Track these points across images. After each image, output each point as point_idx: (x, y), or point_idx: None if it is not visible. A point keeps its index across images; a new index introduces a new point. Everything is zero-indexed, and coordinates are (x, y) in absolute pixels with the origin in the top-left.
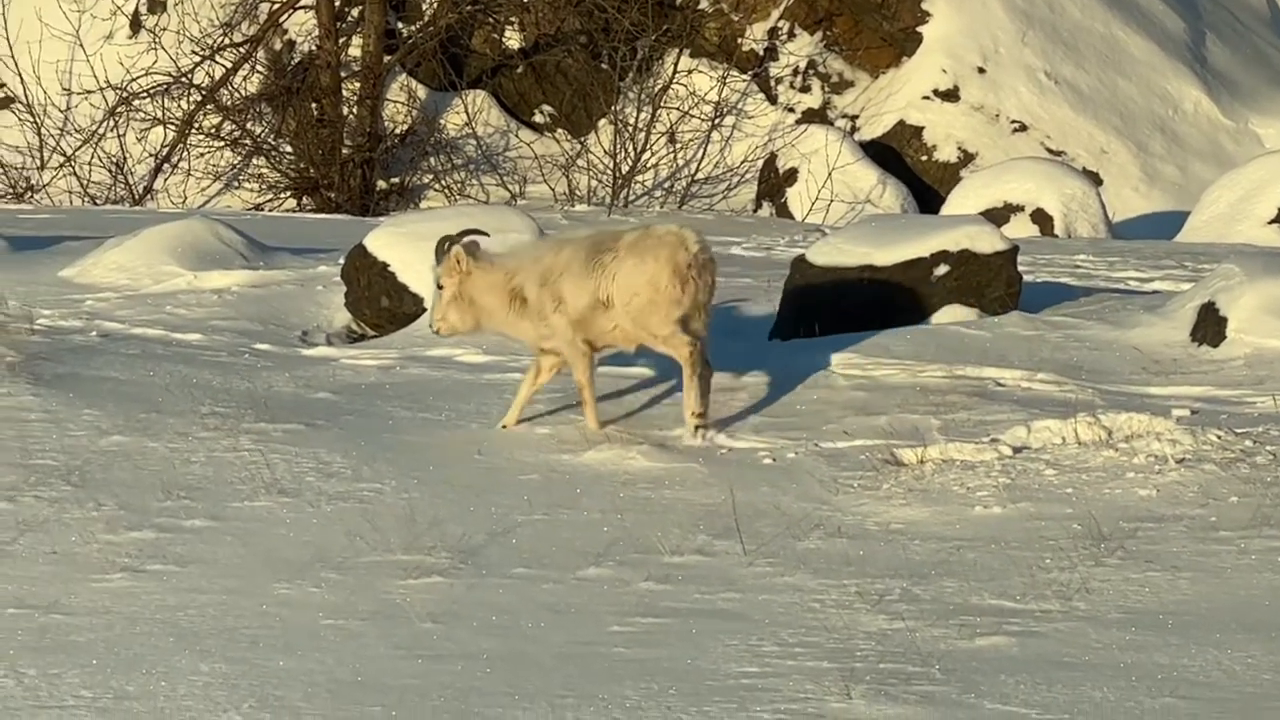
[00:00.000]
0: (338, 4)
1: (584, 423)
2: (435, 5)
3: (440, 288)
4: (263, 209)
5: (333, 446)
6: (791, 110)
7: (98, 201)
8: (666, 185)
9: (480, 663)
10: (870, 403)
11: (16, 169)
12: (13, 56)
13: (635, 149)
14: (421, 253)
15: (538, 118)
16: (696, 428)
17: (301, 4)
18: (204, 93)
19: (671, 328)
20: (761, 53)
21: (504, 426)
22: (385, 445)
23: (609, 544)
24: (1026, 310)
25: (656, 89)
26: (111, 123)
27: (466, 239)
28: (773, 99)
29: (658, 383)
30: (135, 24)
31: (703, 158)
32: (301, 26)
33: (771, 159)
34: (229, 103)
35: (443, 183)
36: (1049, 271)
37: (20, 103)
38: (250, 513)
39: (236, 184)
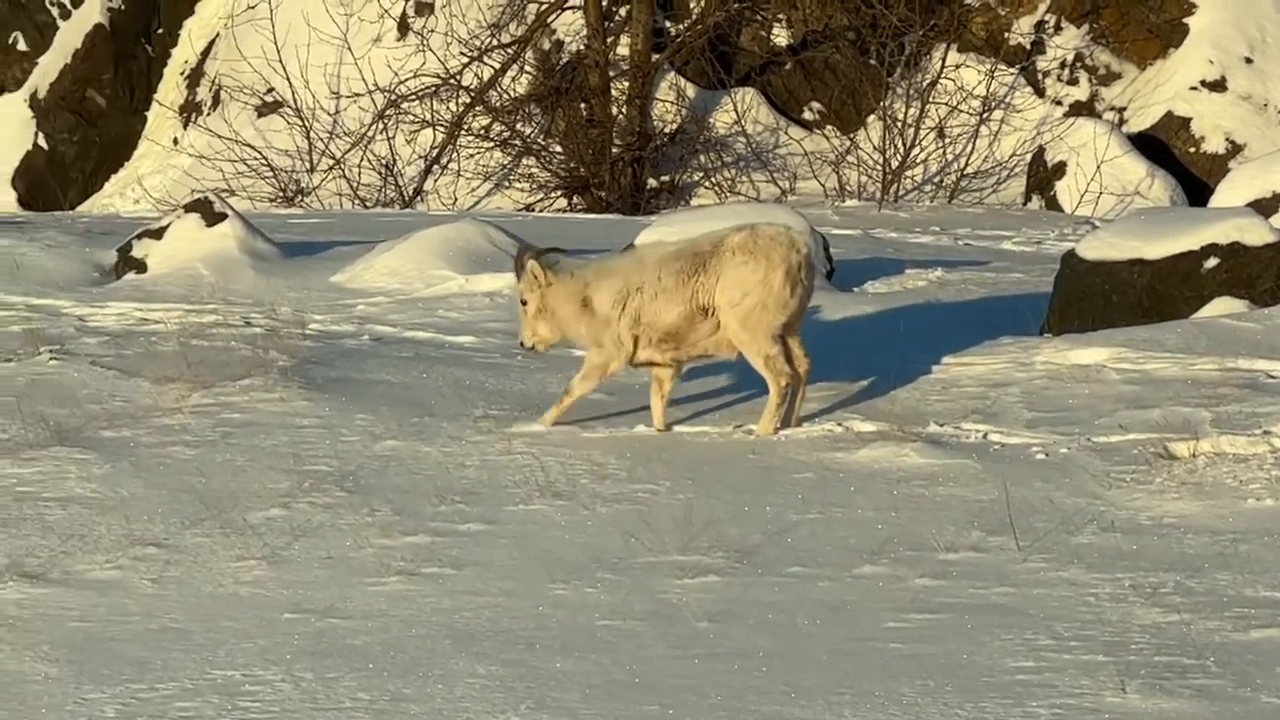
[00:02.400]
0: (605, 3)
1: (854, 422)
2: (703, 3)
3: (524, 304)
4: (533, 209)
5: (606, 448)
6: (1059, 103)
7: (367, 204)
8: (936, 180)
9: (757, 661)
10: (1142, 396)
11: (286, 173)
12: (281, 61)
13: (904, 144)
14: None
15: (806, 114)
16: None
17: (569, 4)
18: (472, 94)
19: (775, 347)
20: (1028, 46)
21: (658, 430)
22: (659, 446)
23: (883, 541)
24: None
25: (925, 84)
26: (380, 125)
27: (546, 255)
28: (1040, 92)
29: (921, 375)
30: (403, 27)
31: (971, 152)
32: (569, 26)
33: (1040, 152)
34: (498, 104)
35: (712, 180)
36: None
37: (289, 107)
38: (525, 516)
39: (506, 184)
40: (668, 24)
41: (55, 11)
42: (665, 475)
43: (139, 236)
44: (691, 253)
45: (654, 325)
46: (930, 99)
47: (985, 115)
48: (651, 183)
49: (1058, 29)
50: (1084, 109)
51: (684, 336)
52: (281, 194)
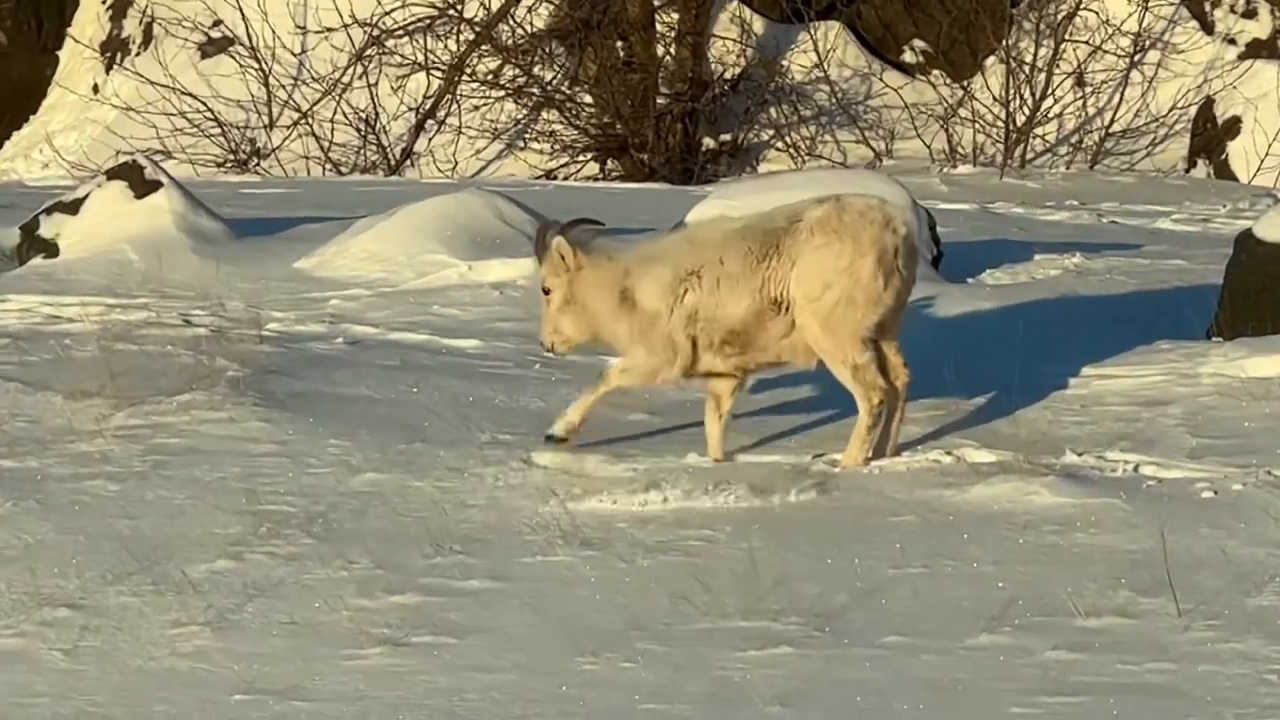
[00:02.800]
0: None
1: (967, 450)
2: None
3: (546, 292)
4: (556, 176)
5: (649, 483)
6: (1233, 42)
7: (342, 170)
8: (1073, 140)
9: None
10: None
11: (238, 129)
12: None
13: (1033, 94)
14: None
15: (908, 56)
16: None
17: None
18: (478, 29)
19: (865, 354)
20: None
21: (715, 461)
22: (716, 480)
23: (1006, 604)
24: None
25: (1059, 17)
26: (359, 69)
27: (575, 229)
28: (1209, 28)
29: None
30: None
31: (1119, 104)
32: None
33: (1208, 105)
34: (510, 41)
35: (787, 140)
36: None
37: (242, 45)
38: (545, 570)
39: (521, 145)
40: None
41: None
42: (725, 518)
43: (48, 210)
44: (762, 230)
45: (715, 322)
46: (1067, 37)
47: (1137, 58)
48: (708, 143)
49: None
50: (1264, 49)
51: (752, 338)
52: (232, 156)
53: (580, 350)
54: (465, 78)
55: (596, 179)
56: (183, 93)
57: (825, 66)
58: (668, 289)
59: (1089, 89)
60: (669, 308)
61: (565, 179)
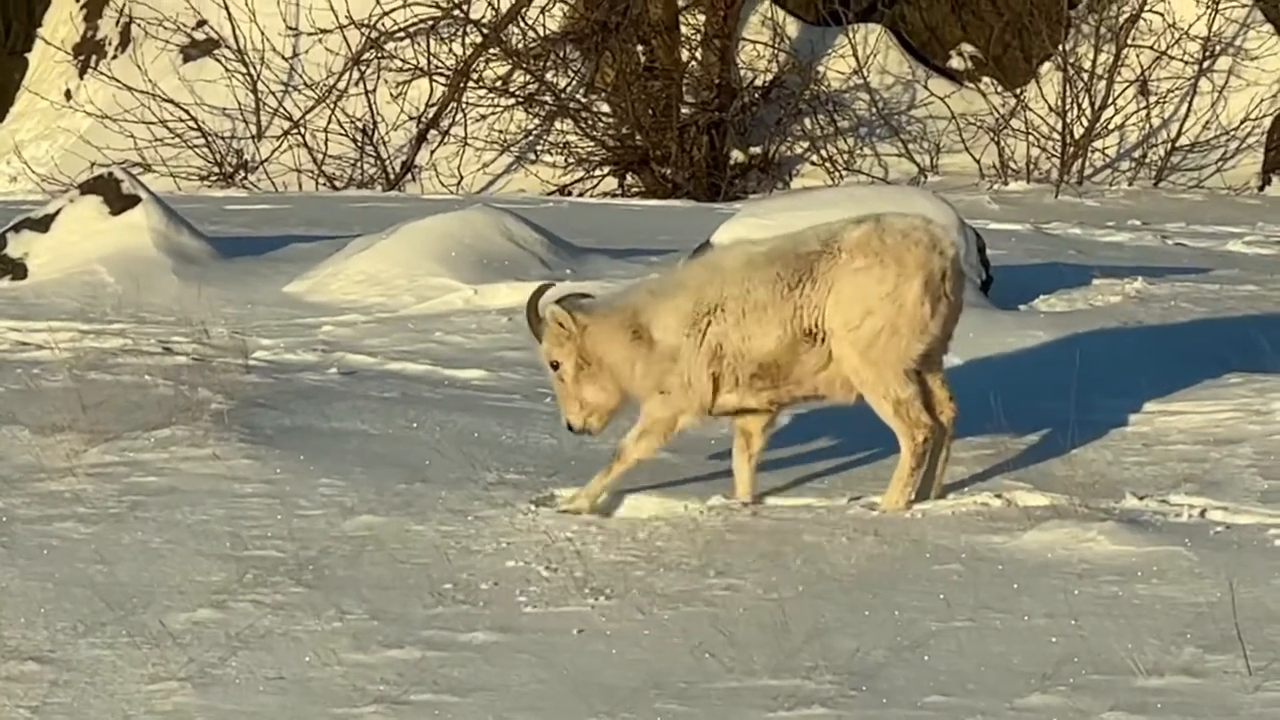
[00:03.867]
0: None
1: (1018, 493)
2: None
3: (556, 366)
4: (570, 192)
5: (671, 528)
6: None
7: (337, 184)
8: (1136, 154)
9: None
10: None
11: (224, 139)
12: None
13: (1093, 104)
14: None
15: (955, 62)
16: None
17: None
18: (485, 31)
19: (909, 388)
20: None
21: (743, 504)
22: (743, 526)
23: (1059, 661)
24: None
25: (1121, 20)
26: (356, 74)
27: (566, 299)
28: None
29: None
30: None
31: (1186, 115)
32: None
33: None
34: (520, 45)
35: (822, 153)
36: None
37: (228, 47)
38: (556, 622)
39: (532, 158)
40: None
41: None
42: (752, 566)
43: (16, 228)
44: (793, 254)
45: (743, 357)
46: (1129, 40)
47: (1207, 65)
48: (736, 156)
49: None
50: None
51: (785, 371)
52: (217, 169)
53: (617, 419)
54: (471, 84)
55: (614, 195)
56: (163, 99)
57: (865, 73)
58: (688, 320)
59: (1153, 98)
60: (691, 344)
61: (580, 195)
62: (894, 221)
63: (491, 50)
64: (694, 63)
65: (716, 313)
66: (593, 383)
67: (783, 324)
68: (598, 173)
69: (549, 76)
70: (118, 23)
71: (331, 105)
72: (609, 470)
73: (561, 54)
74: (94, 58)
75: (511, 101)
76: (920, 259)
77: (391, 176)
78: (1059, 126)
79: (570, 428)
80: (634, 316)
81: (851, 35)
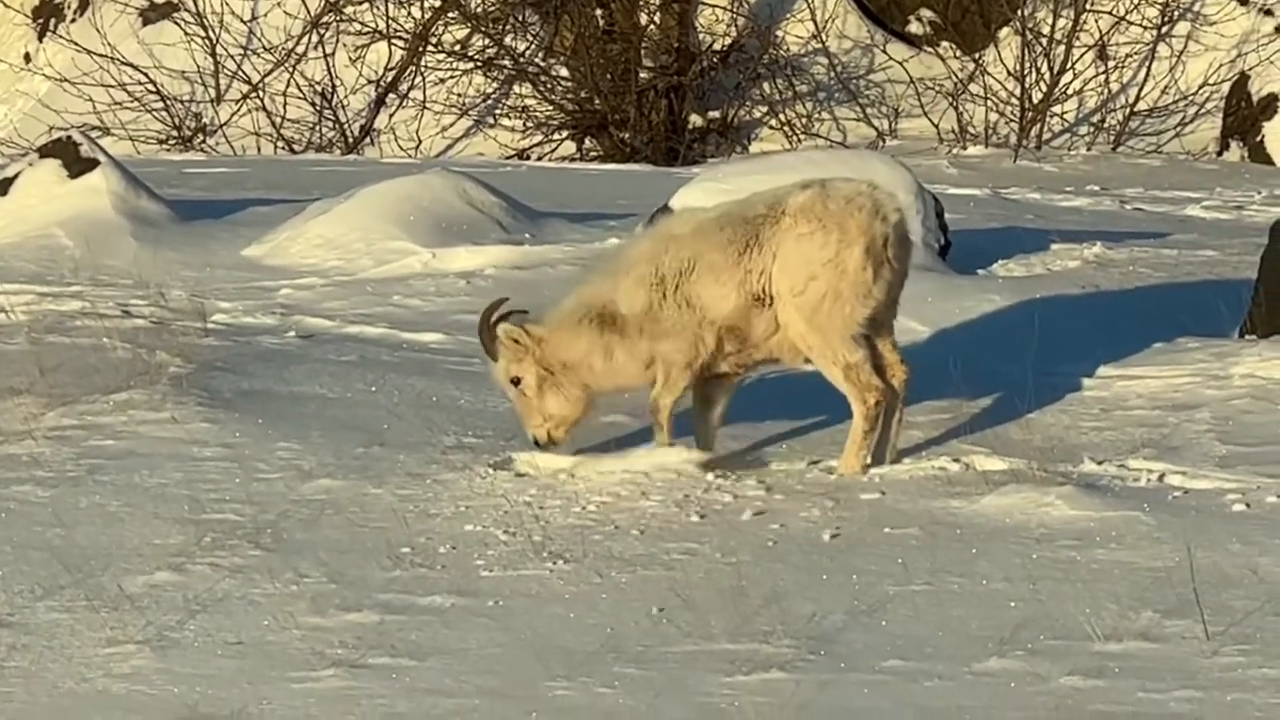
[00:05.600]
0: None
1: (976, 457)
2: None
3: (516, 382)
4: (529, 156)
5: (629, 492)
6: (1270, 13)
7: (296, 148)
8: (1095, 119)
9: None
10: None
11: (183, 103)
12: None
13: (1051, 69)
14: None
15: (914, 26)
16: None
17: None
18: None
19: (858, 352)
20: None
21: (700, 463)
22: (703, 489)
23: (1017, 625)
24: None
25: None
26: (315, 38)
27: (502, 313)
28: None
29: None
30: None
31: (1145, 80)
32: None
33: (1242, 81)
34: (479, 8)
35: (781, 118)
36: None
37: (187, 10)
38: (514, 585)
39: (491, 122)
40: None
41: None
42: (710, 530)
43: None
44: (740, 218)
45: (710, 315)
46: (1088, 5)
47: (1165, 29)
48: (695, 120)
49: None
50: None
51: (745, 334)
52: (176, 133)
53: (580, 429)
54: (430, 48)
55: (573, 159)
56: (122, 63)
57: (824, 37)
58: (655, 284)
59: (1112, 63)
60: (663, 293)
61: (539, 159)
62: (839, 187)
63: (450, 14)
64: (653, 26)
65: (679, 275)
66: (557, 392)
67: (736, 287)
68: (556, 137)
69: (508, 40)
70: None
71: (290, 69)
72: (658, 424)
73: (520, 17)
74: (53, 20)
75: (470, 65)
76: (862, 224)
77: (350, 140)
78: (1017, 91)
79: (536, 443)
80: (592, 307)
81: (810, 0)
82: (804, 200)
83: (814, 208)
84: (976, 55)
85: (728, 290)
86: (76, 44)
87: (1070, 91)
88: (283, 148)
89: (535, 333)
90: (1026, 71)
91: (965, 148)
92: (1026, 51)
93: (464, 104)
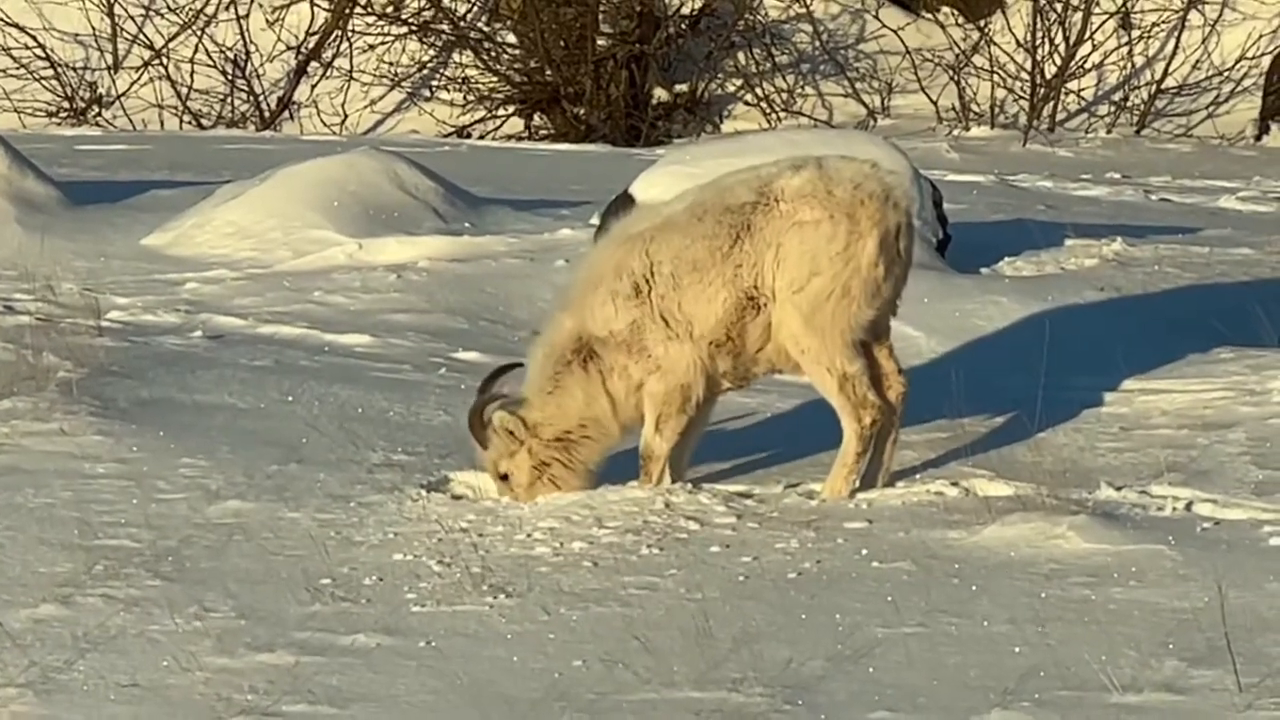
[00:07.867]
0: None
1: (978, 482)
2: None
3: (505, 478)
4: (470, 134)
5: (581, 518)
6: None
7: (204, 123)
8: (1117, 98)
9: None
10: None
11: (75, 71)
12: None
13: (1067, 39)
14: None
15: None
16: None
17: None
18: None
19: (856, 361)
20: None
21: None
22: (666, 516)
23: (1023, 674)
24: None
25: None
26: None
27: (494, 402)
28: None
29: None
30: None
31: (1174, 53)
32: None
33: None
34: None
35: (758, 92)
36: None
37: None
38: (450, 623)
39: (427, 95)
40: None
41: None
42: (673, 562)
43: None
44: (722, 207)
45: (699, 327)
46: None
47: None
48: (660, 94)
49: None
50: None
51: (742, 342)
52: (67, 104)
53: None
54: (358, 10)
55: (520, 137)
56: (7, 24)
57: (808, 1)
58: (628, 296)
59: (1136, 33)
60: (640, 308)
61: (481, 137)
62: (839, 167)
63: None
64: None
65: (656, 280)
66: (549, 485)
67: (726, 285)
68: (501, 112)
69: (446, 1)
70: None
71: (198, 32)
72: (648, 475)
73: None
74: None
75: (403, 30)
76: (875, 213)
77: (266, 114)
78: (1028, 65)
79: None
80: (567, 346)
81: None
82: (801, 183)
83: (815, 191)
84: (982, 23)
85: (715, 292)
86: None
87: (1088, 65)
88: (189, 122)
89: (531, 419)
90: (1039, 42)
91: (968, 128)
92: (1039, 19)
93: (396, 74)
